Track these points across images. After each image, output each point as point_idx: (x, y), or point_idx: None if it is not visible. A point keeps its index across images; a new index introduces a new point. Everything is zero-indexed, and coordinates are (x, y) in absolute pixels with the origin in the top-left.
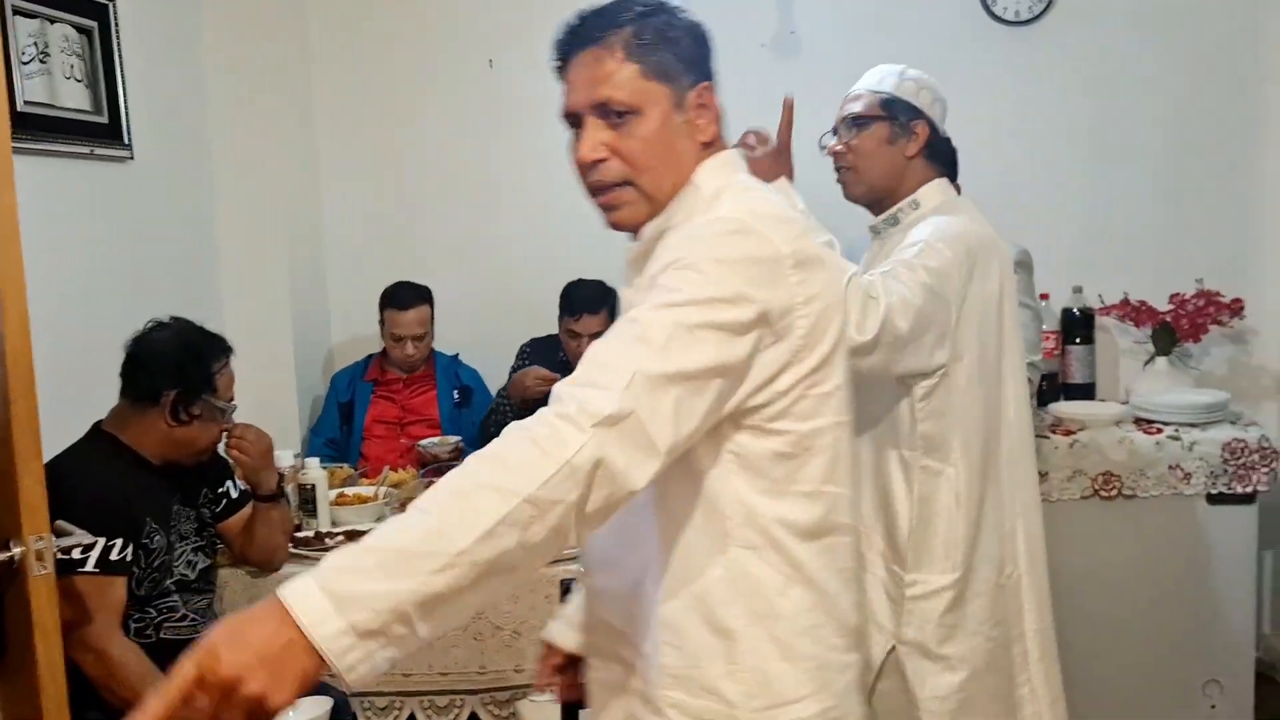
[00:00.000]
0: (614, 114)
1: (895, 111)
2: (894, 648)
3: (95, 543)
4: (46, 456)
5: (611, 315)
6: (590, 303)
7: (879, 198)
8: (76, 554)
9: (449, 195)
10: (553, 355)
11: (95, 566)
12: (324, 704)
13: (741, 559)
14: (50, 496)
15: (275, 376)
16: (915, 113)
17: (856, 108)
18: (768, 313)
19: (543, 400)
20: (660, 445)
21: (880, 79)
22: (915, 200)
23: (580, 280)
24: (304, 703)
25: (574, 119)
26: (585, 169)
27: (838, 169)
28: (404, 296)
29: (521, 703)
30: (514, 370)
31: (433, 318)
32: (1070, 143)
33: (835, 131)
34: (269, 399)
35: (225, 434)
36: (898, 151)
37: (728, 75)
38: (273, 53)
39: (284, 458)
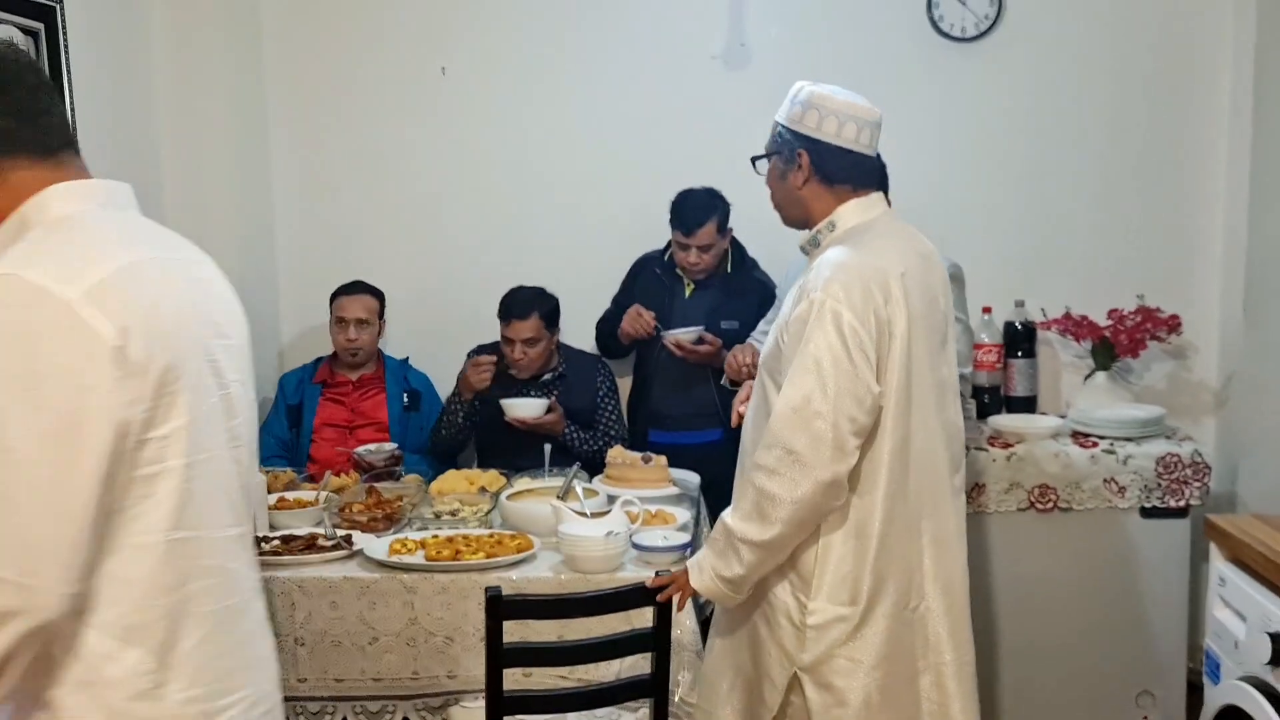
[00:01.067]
0: None
1: (781, 145)
2: (795, 673)
3: None
4: None
5: (544, 322)
6: (521, 307)
7: (800, 226)
8: None
9: (401, 201)
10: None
11: None
12: None
13: (64, 626)
14: None
15: None
16: (798, 140)
17: (767, 143)
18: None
19: (490, 391)
20: None
21: (782, 106)
22: (832, 222)
23: (520, 287)
24: None
25: None
26: None
27: None
28: (351, 286)
29: (454, 709)
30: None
31: (381, 315)
32: (1014, 158)
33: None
34: None
35: None
36: (789, 185)
37: (678, 87)
38: (224, 57)
39: None
